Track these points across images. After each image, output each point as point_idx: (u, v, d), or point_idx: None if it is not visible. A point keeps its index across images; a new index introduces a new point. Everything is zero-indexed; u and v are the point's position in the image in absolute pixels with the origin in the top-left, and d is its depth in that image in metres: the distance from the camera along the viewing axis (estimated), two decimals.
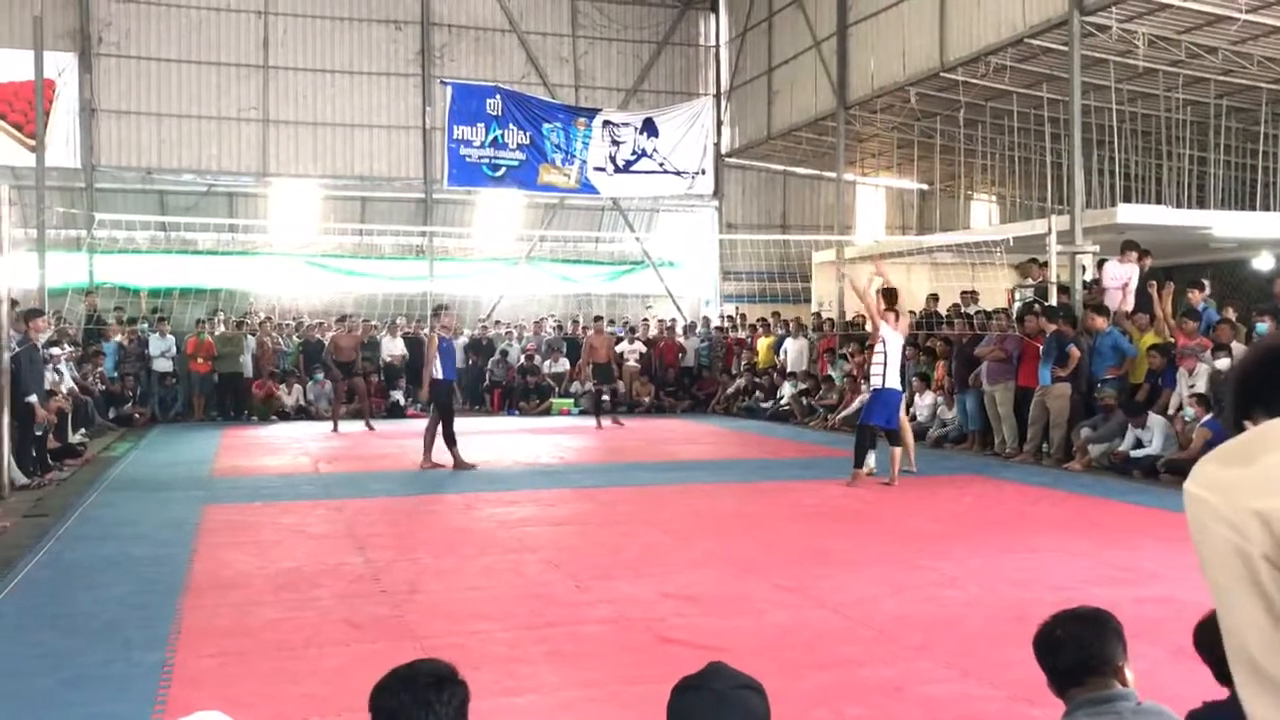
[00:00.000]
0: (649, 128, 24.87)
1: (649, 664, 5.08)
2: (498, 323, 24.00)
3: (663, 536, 8.54)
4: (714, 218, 27.19)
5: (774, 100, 24.52)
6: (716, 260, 26.83)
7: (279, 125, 23.94)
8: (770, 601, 6.40)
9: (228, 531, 8.72)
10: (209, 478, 12.10)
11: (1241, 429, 1.52)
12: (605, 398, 18.82)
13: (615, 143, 24.54)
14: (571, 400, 21.14)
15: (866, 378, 12.23)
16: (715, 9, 27.15)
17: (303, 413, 19.82)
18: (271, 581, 6.89)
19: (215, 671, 5.10)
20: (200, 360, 19.35)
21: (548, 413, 20.84)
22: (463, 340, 22.50)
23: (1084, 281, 14.94)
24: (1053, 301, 14.26)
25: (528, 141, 23.87)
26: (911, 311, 16.80)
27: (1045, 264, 14.98)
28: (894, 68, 19.74)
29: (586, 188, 24.67)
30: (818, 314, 22.02)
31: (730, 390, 21.46)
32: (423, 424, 13.62)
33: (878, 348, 11.38)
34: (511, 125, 23.76)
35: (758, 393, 20.50)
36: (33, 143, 21.03)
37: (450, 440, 12.74)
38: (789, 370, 19.86)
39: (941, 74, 18.50)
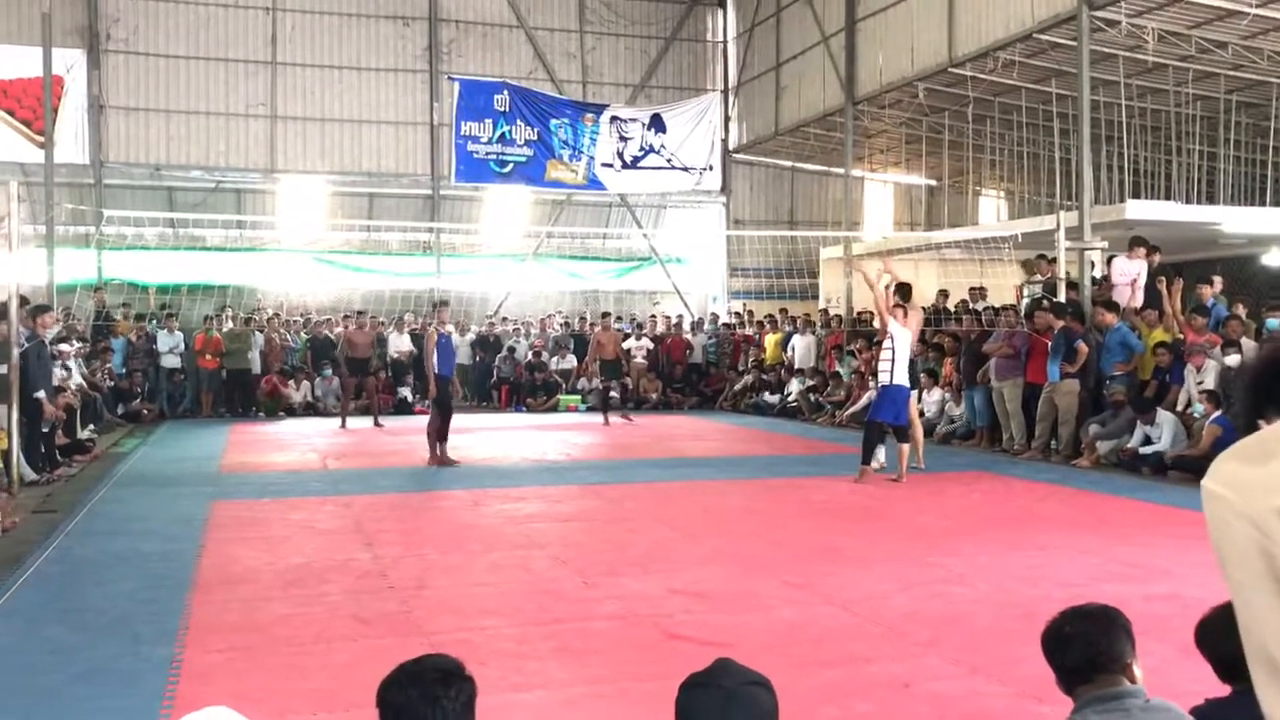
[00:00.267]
0: (656, 124, 24.87)
1: (657, 660, 5.08)
2: (505, 319, 24.01)
3: (670, 533, 8.54)
4: (721, 214, 27.15)
5: (782, 96, 24.47)
6: (724, 256, 26.80)
7: (287, 121, 23.96)
8: (778, 598, 6.39)
9: (236, 527, 8.74)
10: (217, 474, 12.13)
11: (1255, 428, 1.51)
12: (614, 394, 18.82)
13: (623, 139, 24.54)
14: (579, 397, 21.15)
15: (874, 374, 12.21)
16: (723, 4, 27.09)
17: (310, 409, 19.86)
18: (280, 577, 6.90)
19: (224, 666, 5.12)
20: (208, 356, 19.39)
21: (555, 409, 20.85)
22: (470, 337, 22.56)
23: (1093, 277, 14.90)
24: (1061, 298, 14.22)
25: (535, 137, 23.89)
26: (923, 308, 16.81)
27: (1053, 260, 14.94)
28: (902, 63, 19.70)
29: (594, 184, 24.68)
30: (825, 310, 21.99)
31: (738, 387, 21.44)
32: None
33: (886, 344, 11.36)
34: (519, 121, 23.78)
35: (765, 389, 20.48)
36: (41, 139, 21.07)
37: (442, 436, 12.77)
38: (796, 367, 19.84)
39: (950, 69, 18.46)
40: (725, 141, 26.36)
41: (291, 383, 20.08)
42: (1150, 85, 18.24)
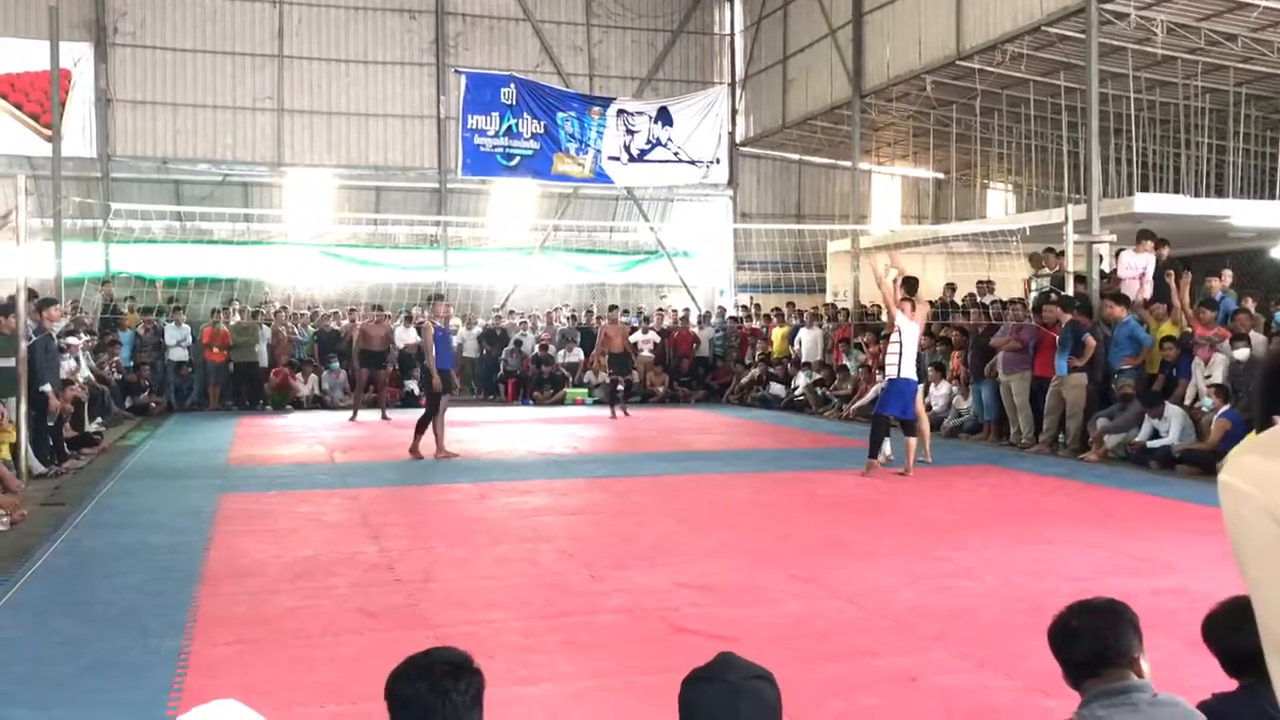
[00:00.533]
0: (663, 117, 24.84)
1: (663, 653, 5.08)
2: (512, 312, 24.02)
3: (677, 526, 8.55)
4: (728, 207, 27.12)
5: (789, 89, 24.43)
6: (731, 250, 26.78)
7: (294, 115, 23.98)
8: (785, 591, 6.39)
9: (244, 520, 8.76)
10: (225, 466, 12.15)
11: (1271, 424, 1.50)
12: (620, 388, 18.85)
13: (630, 132, 24.52)
14: (586, 390, 21.15)
15: (882, 368, 12.19)
16: None
17: (318, 402, 19.89)
18: (287, 570, 6.91)
19: (231, 659, 5.13)
20: (216, 350, 19.42)
21: (562, 402, 20.85)
22: (477, 330, 22.58)
23: (1100, 271, 14.86)
24: (1069, 291, 14.19)
25: (542, 131, 23.88)
26: (930, 301, 16.78)
27: (1061, 253, 14.90)
28: (910, 56, 19.64)
29: (601, 177, 24.66)
30: (832, 304, 21.96)
31: (744, 380, 21.42)
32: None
33: (893, 337, 11.34)
34: (526, 114, 23.77)
35: (772, 383, 20.46)
36: (49, 133, 21.11)
37: (421, 427, 12.79)
38: (803, 360, 19.82)
39: (958, 62, 18.40)
40: (732, 134, 26.33)
41: (299, 375, 20.11)
42: (1159, 78, 18.17)
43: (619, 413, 18.20)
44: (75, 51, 21.99)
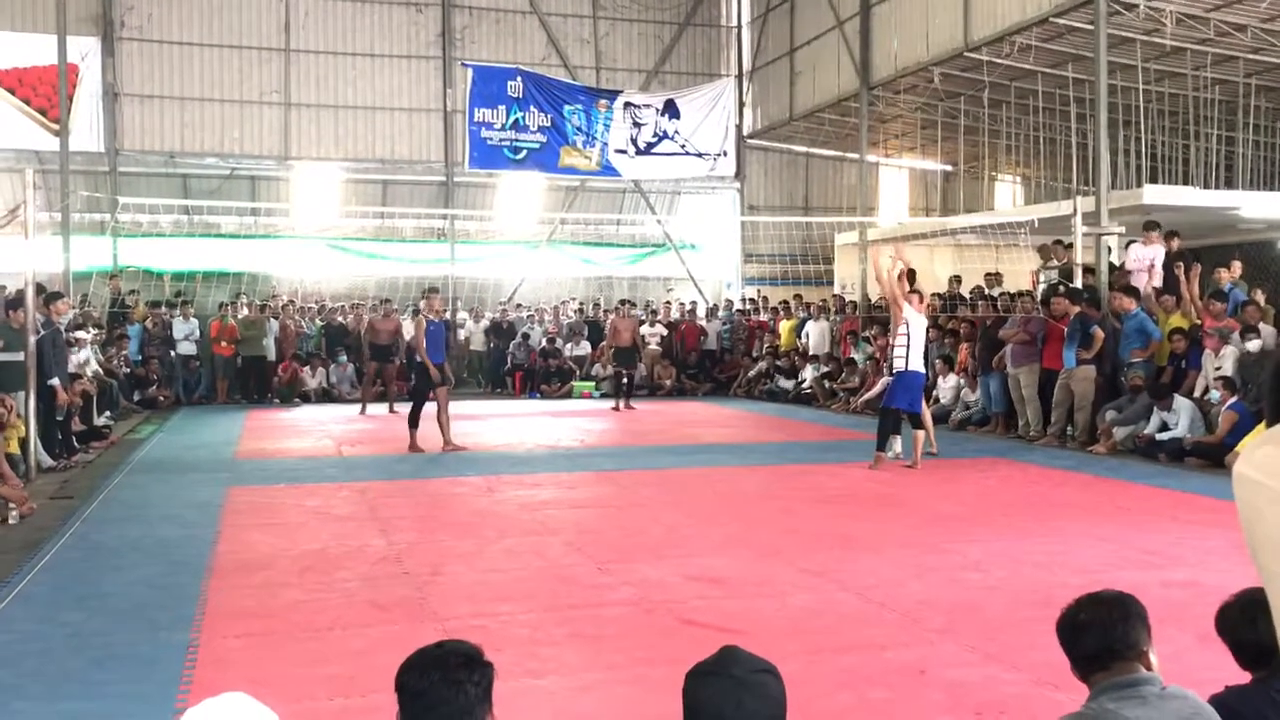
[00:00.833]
0: (670, 109, 24.82)
1: (671, 646, 5.08)
2: (519, 305, 24.03)
3: (685, 519, 8.54)
4: (736, 200, 27.09)
5: (796, 81, 24.38)
6: (738, 242, 26.76)
7: (300, 108, 23.99)
8: (793, 584, 6.39)
9: (252, 513, 8.77)
10: (233, 460, 12.18)
11: None
12: (625, 381, 18.89)
13: (636, 124, 24.50)
14: (593, 383, 21.16)
15: (890, 361, 12.15)
16: None
17: (325, 395, 19.92)
18: (296, 563, 6.92)
19: (240, 652, 5.14)
20: (224, 343, 19.45)
21: (569, 395, 20.86)
22: (484, 323, 22.61)
23: (1110, 263, 14.82)
24: (1077, 283, 14.15)
25: (549, 124, 23.87)
26: (935, 294, 16.74)
27: (1070, 246, 14.86)
28: (917, 48, 19.59)
29: (608, 170, 24.65)
30: (840, 296, 21.93)
31: (752, 373, 21.41)
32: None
33: (900, 330, 11.31)
34: (532, 107, 23.76)
35: (779, 376, 20.45)
36: (57, 127, 21.19)
37: (412, 422, 12.81)
38: (811, 353, 19.80)
39: (966, 54, 18.35)
40: (739, 127, 26.29)
41: (306, 369, 20.14)
42: (1168, 69, 18.10)
43: (622, 405, 18.23)
44: (83, 46, 22.04)
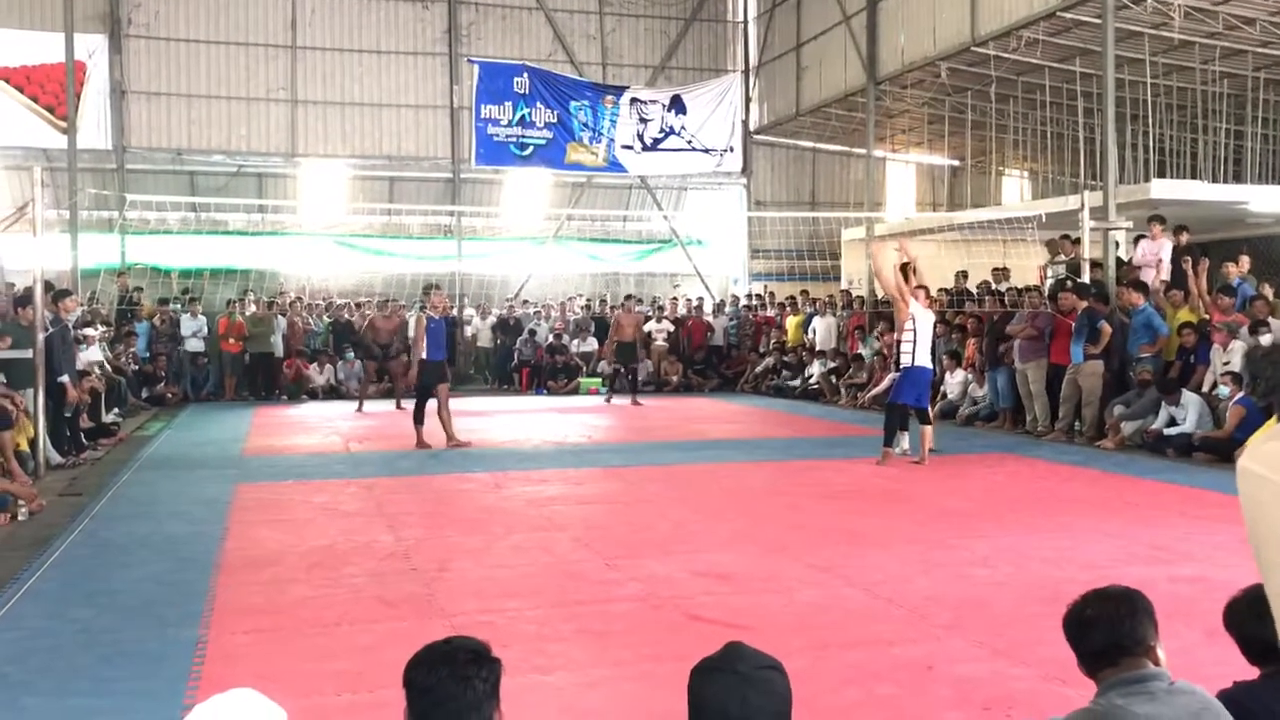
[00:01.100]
0: (677, 105, 24.78)
1: (678, 642, 5.08)
2: (525, 302, 24.03)
3: (692, 515, 8.55)
4: (742, 195, 27.05)
5: (803, 76, 24.34)
6: (745, 238, 26.72)
7: (307, 105, 24.01)
8: (800, 580, 6.39)
9: (260, 510, 8.79)
10: (241, 457, 12.20)
11: None
12: (630, 377, 18.96)
13: (643, 120, 24.47)
14: (600, 379, 21.17)
15: (896, 357, 12.12)
16: None
17: (333, 392, 19.94)
18: (303, 559, 6.94)
19: (248, 649, 5.15)
20: (231, 340, 19.49)
21: (576, 392, 20.87)
22: (491, 320, 22.62)
23: (1118, 258, 14.79)
24: (1085, 278, 14.12)
25: (555, 120, 23.84)
26: (943, 289, 16.72)
27: (1077, 240, 14.83)
28: (924, 42, 19.55)
29: (614, 166, 24.62)
30: (847, 292, 21.91)
31: (759, 369, 21.40)
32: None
33: (907, 325, 11.29)
34: (539, 104, 23.73)
35: (786, 371, 20.44)
36: (64, 125, 21.22)
37: (416, 419, 12.82)
38: (818, 349, 19.78)
39: (973, 48, 18.30)
40: (746, 122, 26.24)
41: (314, 366, 20.17)
42: (1176, 63, 18.04)
43: (616, 399, 18.28)
44: (90, 44, 22.06)
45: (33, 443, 10.42)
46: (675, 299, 23.95)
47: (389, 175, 24.80)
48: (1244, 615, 2.77)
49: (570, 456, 12.15)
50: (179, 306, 20.01)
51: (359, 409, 17.48)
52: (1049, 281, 15.12)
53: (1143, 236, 14.62)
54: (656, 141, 24.65)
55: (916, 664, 4.84)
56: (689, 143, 24.87)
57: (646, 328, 21.05)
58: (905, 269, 11.71)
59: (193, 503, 9.12)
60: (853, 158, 26.12)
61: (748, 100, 26.41)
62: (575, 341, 22.12)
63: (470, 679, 2.16)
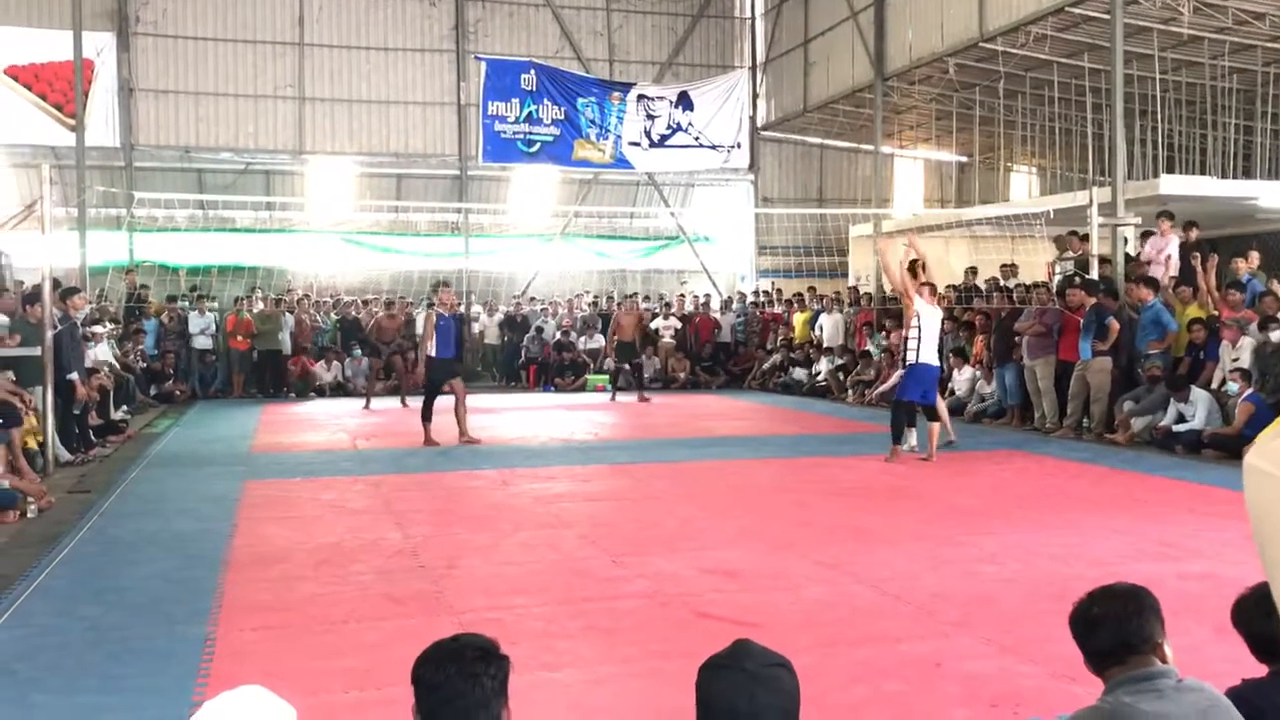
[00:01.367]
0: (684, 101, 24.75)
1: (686, 639, 5.08)
2: (533, 299, 24.04)
3: (699, 512, 8.54)
4: (750, 192, 27.04)
5: (810, 72, 24.31)
6: (752, 235, 26.71)
7: (315, 103, 24.03)
8: (808, 577, 6.38)
9: (268, 507, 8.81)
10: (249, 454, 12.22)
11: None
12: (636, 374, 18.99)
13: (650, 117, 24.44)
14: (607, 376, 21.17)
15: (903, 354, 12.10)
16: None
17: (340, 389, 19.97)
18: (311, 556, 6.95)
19: (257, 646, 5.16)
20: (239, 338, 19.52)
21: (583, 389, 20.87)
22: (498, 317, 22.63)
23: (1126, 254, 14.75)
24: (1093, 274, 14.08)
25: (562, 117, 23.82)
26: (951, 286, 16.70)
27: (1085, 237, 14.79)
28: (932, 38, 19.51)
29: (621, 163, 24.61)
30: (855, 288, 21.89)
31: (766, 366, 21.39)
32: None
33: (913, 322, 11.28)
34: (546, 100, 23.72)
35: (794, 368, 20.42)
36: (72, 122, 21.26)
37: (425, 416, 12.83)
38: (825, 345, 19.77)
39: (981, 44, 18.26)
40: (753, 119, 26.22)
41: (321, 363, 20.20)
42: (1185, 58, 17.98)
43: (623, 397, 18.29)
44: (98, 41, 22.11)
45: (41, 444, 10.44)
46: (682, 296, 23.94)
47: (396, 172, 24.82)
48: (1252, 612, 2.77)
49: (577, 454, 12.15)
50: (187, 304, 20.05)
51: (365, 406, 17.50)
52: (1057, 278, 15.09)
53: (1150, 233, 14.59)
54: (664, 138, 24.63)
55: (924, 661, 4.83)
56: (696, 139, 24.85)
57: (654, 324, 21.06)
58: (914, 265, 11.69)
59: (201, 500, 9.14)
60: (860, 154, 26.09)
61: (755, 96, 26.38)
62: (582, 338, 22.13)
63: (478, 676, 2.16)
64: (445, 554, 7.00)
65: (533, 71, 23.72)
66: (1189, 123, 19.33)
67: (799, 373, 20.11)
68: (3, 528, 7.92)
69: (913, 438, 11.65)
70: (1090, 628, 2.63)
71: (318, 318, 21.13)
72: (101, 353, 14.69)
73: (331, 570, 6.58)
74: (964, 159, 26.51)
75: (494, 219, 25.48)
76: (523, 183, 25.48)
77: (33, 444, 10.21)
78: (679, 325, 22.05)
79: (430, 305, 20.83)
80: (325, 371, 20.16)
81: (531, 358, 22.01)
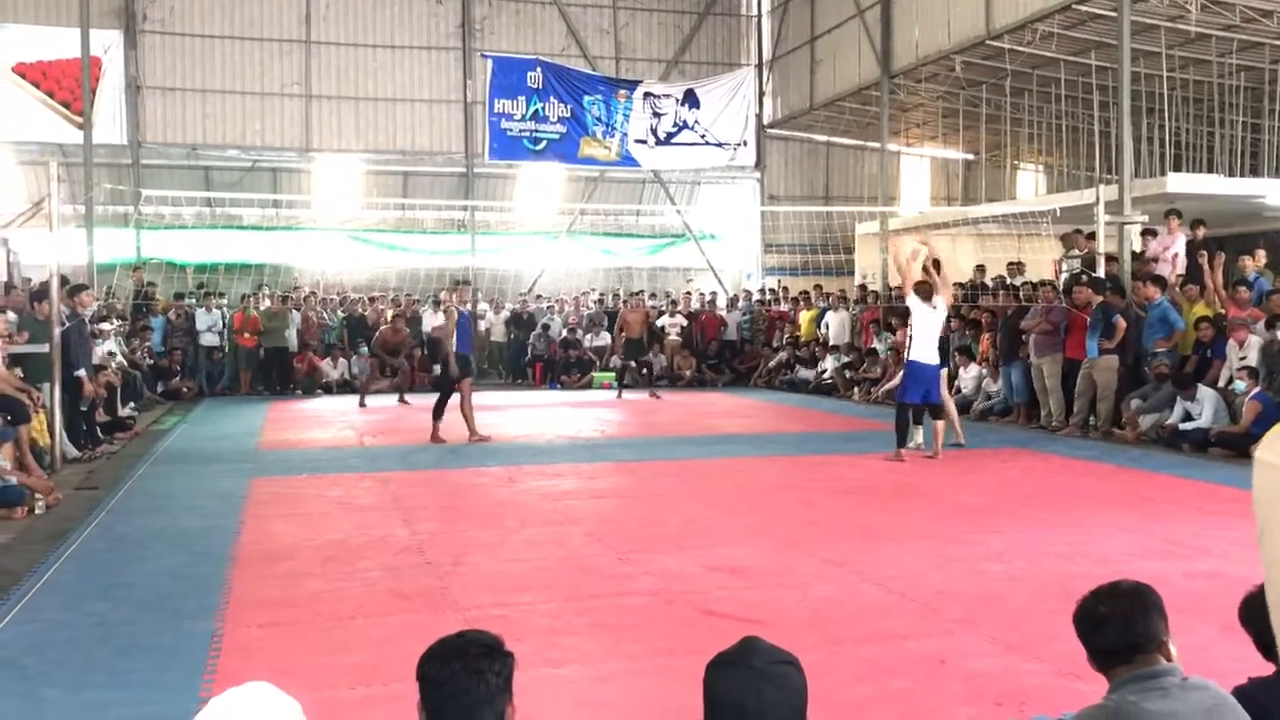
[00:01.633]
0: (690, 99, 24.74)
1: (692, 636, 5.09)
2: (539, 296, 24.05)
3: (705, 510, 8.55)
4: (756, 189, 27.02)
5: (817, 70, 24.28)
6: (758, 232, 26.70)
7: (321, 100, 24.06)
8: (814, 575, 6.38)
9: (275, 504, 8.83)
10: (256, 450, 12.24)
11: None
12: (644, 371, 18.97)
13: (656, 114, 24.44)
14: (613, 374, 21.17)
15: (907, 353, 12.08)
16: None
17: (347, 386, 19.99)
18: (318, 553, 6.97)
19: (263, 642, 5.18)
20: (246, 335, 19.55)
21: (589, 386, 20.88)
22: (504, 314, 22.64)
23: (1133, 252, 14.72)
24: (1100, 272, 14.06)
25: (568, 114, 23.83)
26: (957, 284, 16.66)
27: (1092, 235, 14.76)
28: (939, 36, 19.47)
29: (627, 160, 24.61)
30: (861, 286, 21.86)
31: (772, 363, 21.38)
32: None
33: (911, 321, 11.29)
34: (552, 98, 23.72)
35: (799, 366, 20.41)
36: (80, 120, 21.29)
37: (437, 413, 12.84)
38: (831, 343, 19.75)
39: (987, 42, 18.22)
40: (759, 117, 26.18)
41: (328, 360, 20.23)
42: (1193, 56, 17.93)
43: (631, 394, 18.31)
44: (105, 39, 22.14)
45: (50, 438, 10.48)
46: (688, 293, 23.93)
47: (403, 170, 24.85)
48: (1260, 611, 2.75)
49: (584, 451, 12.16)
50: (194, 301, 20.09)
51: (361, 404, 17.44)
52: (1064, 276, 15.06)
53: (1150, 232, 14.55)
54: (670, 136, 24.63)
55: (930, 659, 4.83)
56: (702, 137, 24.83)
57: (660, 322, 21.05)
58: (936, 264, 11.66)
59: (208, 497, 9.16)
60: (867, 152, 26.05)
61: (761, 94, 26.35)
62: (588, 336, 22.13)
63: (483, 673, 2.16)
64: (451, 551, 7.01)
65: (539, 69, 23.72)
66: (1196, 120, 19.28)
67: (805, 371, 20.09)
68: (11, 524, 7.95)
69: (919, 435, 11.63)
70: (1096, 627, 2.62)
71: (324, 315, 21.15)
72: (109, 349, 14.71)
73: (338, 567, 6.59)
74: (970, 157, 26.47)
75: (500, 216, 25.49)
76: (529, 180, 25.48)
77: (41, 441, 10.23)
78: (685, 323, 22.04)
79: (437, 303, 20.98)
80: (332, 369, 20.19)
81: (538, 355, 22.02)
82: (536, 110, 23.63)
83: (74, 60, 21.12)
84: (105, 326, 15.06)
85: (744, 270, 27.24)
